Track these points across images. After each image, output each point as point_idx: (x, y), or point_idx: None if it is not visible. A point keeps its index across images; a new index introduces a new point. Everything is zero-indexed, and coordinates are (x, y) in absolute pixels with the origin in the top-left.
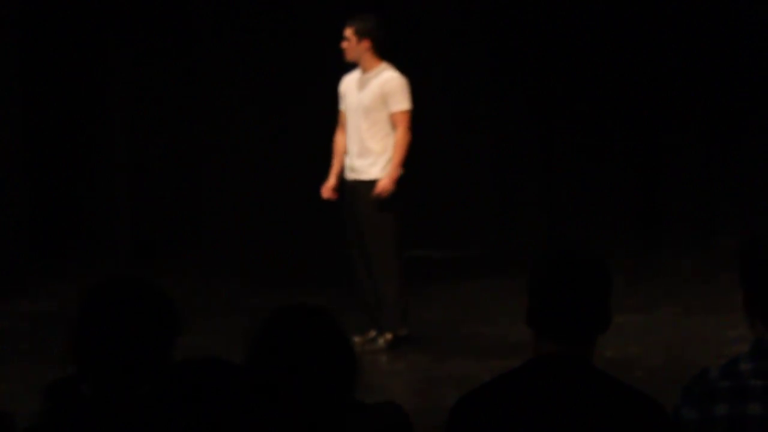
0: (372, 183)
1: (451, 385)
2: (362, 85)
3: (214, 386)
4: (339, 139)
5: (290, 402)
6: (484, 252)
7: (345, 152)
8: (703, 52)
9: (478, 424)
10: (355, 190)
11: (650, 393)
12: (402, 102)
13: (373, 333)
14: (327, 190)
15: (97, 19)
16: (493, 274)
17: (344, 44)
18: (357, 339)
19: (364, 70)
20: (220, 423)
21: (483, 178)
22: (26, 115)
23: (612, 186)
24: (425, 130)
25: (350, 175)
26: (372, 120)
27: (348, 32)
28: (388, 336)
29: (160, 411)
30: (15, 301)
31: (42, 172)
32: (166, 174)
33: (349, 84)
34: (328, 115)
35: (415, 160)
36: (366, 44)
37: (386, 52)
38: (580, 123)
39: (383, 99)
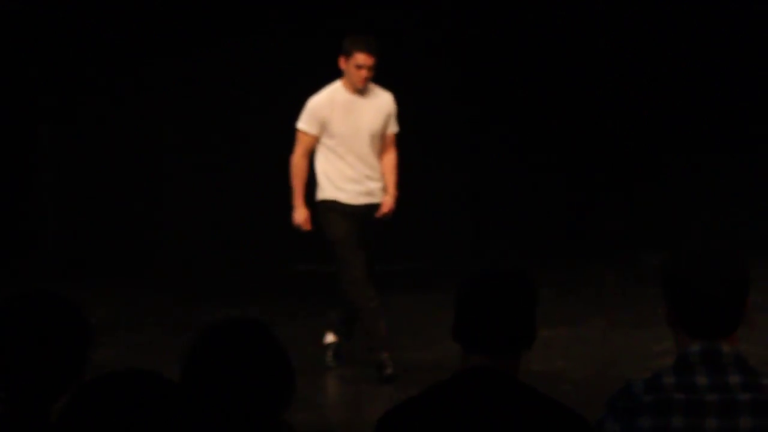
0: (379, 205)
1: (380, 399)
2: (361, 107)
3: (136, 399)
4: (303, 164)
5: (223, 419)
6: (412, 266)
7: (305, 178)
8: (632, 73)
9: None
10: (369, 214)
11: (577, 407)
12: (396, 123)
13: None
14: (307, 221)
15: (27, 30)
16: (421, 288)
17: (369, 74)
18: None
19: (359, 92)
20: None
21: (409, 192)
22: None
23: (540, 201)
24: None
25: (362, 200)
26: (378, 141)
27: (374, 61)
28: (386, 354)
29: (76, 426)
30: None
31: None
32: (96, 188)
33: (337, 108)
34: (260, 130)
35: None
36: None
37: None
38: (509, 137)
39: (387, 120)
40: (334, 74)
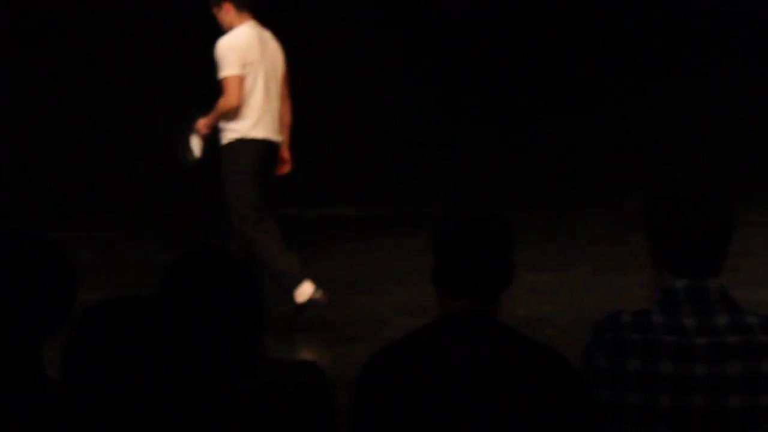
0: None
1: (362, 343)
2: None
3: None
4: None
5: (196, 348)
6: (394, 211)
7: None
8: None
9: (389, 381)
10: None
11: (562, 351)
12: (220, 68)
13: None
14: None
15: None
16: (403, 232)
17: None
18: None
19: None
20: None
21: (391, 138)
22: None
23: (525, 148)
24: (330, 91)
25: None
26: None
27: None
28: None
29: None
30: None
31: None
32: (67, 135)
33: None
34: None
35: (322, 120)
36: (227, 7)
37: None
38: (489, 85)
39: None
40: None
